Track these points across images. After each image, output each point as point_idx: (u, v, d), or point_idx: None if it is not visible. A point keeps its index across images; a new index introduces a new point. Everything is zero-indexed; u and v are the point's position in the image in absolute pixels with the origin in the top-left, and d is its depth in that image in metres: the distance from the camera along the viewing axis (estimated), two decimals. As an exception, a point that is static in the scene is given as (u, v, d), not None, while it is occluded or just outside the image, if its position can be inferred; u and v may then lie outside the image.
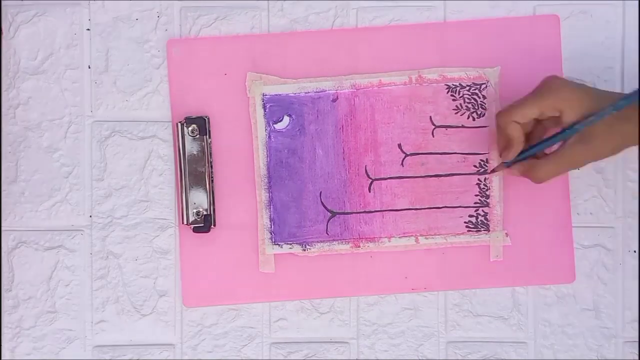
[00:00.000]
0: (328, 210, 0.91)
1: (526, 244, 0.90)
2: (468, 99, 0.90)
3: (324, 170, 0.91)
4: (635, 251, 0.91)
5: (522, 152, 0.84)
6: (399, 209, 0.91)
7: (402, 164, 0.91)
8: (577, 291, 0.91)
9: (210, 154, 0.89)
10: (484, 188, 0.90)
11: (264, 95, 0.90)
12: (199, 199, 0.89)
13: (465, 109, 0.90)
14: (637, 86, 0.90)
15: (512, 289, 0.91)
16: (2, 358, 0.90)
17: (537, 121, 0.84)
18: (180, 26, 0.91)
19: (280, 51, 0.90)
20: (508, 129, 0.82)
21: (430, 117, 0.91)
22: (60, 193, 0.91)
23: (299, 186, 0.91)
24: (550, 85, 0.81)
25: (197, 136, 0.89)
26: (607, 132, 0.80)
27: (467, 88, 0.90)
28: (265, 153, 0.90)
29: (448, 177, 0.91)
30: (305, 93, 0.90)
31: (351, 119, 0.90)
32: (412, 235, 0.91)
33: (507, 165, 0.86)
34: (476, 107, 0.90)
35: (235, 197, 0.90)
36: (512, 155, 0.84)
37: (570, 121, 0.80)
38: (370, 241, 0.91)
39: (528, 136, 0.85)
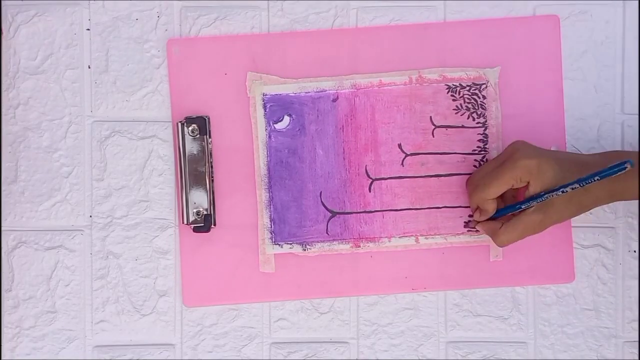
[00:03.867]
0: (328, 210, 0.91)
1: (526, 244, 0.90)
2: (468, 99, 0.90)
3: (324, 170, 0.91)
4: (635, 251, 0.91)
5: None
6: (399, 209, 0.91)
7: (402, 164, 0.91)
8: (576, 291, 0.91)
9: (210, 153, 0.89)
10: (484, 188, 0.90)
11: (264, 95, 0.90)
12: (199, 199, 0.89)
13: (465, 109, 0.90)
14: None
15: (512, 289, 0.91)
16: (2, 358, 0.90)
17: None
18: (180, 26, 0.91)
19: (280, 51, 0.90)
20: (485, 205, 0.85)
21: (431, 117, 0.91)
22: (60, 193, 0.91)
23: (299, 186, 0.91)
24: (518, 156, 0.82)
25: (197, 136, 0.89)
26: (566, 202, 0.82)
27: (467, 88, 0.90)
28: (265, 153, 0.90)
29: (448, 177, 0.91)
30: (306, 93, 0.90)
31: (351, 119, 0.90)
32: (412, 235, 0.91)
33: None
34: (476, 107, 0.90)
35: (235, 197, 0.90)
36: (484, 219, 0.87)
37: (535, 192, 0.82)
38: (370, 241, 0.91)
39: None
